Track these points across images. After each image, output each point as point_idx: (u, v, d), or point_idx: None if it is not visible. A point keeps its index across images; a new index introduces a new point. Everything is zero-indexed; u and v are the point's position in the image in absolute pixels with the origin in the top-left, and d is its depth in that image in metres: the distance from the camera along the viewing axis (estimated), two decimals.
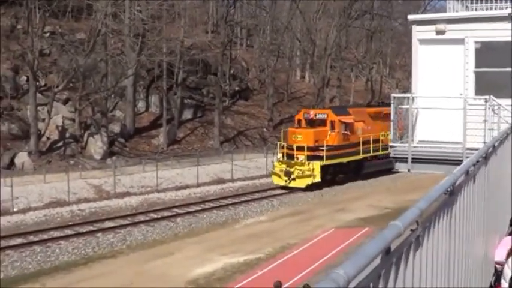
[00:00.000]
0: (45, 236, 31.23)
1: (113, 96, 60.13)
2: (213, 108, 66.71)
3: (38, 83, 54.23)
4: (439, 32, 17.71)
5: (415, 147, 17.12)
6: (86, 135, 53.86)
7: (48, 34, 61.44)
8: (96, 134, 53.79)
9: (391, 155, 17.60)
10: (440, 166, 16.23)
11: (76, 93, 55.08)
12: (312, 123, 48.60)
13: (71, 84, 56.80)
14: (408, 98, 17.51)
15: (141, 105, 64.90)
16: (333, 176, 48.07)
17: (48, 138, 52.17)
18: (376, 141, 50.33)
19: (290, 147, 46.08)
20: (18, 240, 30.32)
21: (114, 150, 55.18)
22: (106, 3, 55.42)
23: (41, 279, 24.96)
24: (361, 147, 49.22)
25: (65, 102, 57.64)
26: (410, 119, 16.94)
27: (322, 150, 45.71)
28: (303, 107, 68.74)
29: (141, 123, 62.80)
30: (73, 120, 54.52)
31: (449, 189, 5.52)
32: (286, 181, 45.41)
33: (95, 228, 33.10)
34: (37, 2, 53.47)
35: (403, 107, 17.57)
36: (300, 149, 45.16)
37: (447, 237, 5.58)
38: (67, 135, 53.33)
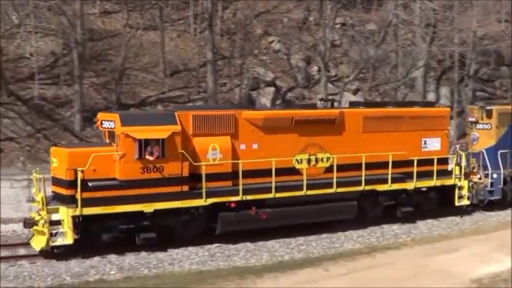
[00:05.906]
0: None
1: (402, 87, 60.08)
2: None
3: (329, 73, 55.67)
4: None
5: None
6: None
7: (339, 25, 62.93)
8: None
9: None
10: None
11: (366, 83, 55.78)
12: (109, 137, 25.95)
13: (361, 75, 57.65)
14: None
15: (431, 96, 64.05)
16: (118, 237, 24.36)
17: None
18: (288, 171, 27.28)
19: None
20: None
21: None
22: None
23: (324, 263, 25.58)
24: (204, 185, 25.00)
25: (355, 92, 58.64)
26: None
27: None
28: None
29: None
30: None
31: None
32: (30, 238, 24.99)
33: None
34: None
35: None
36: (54, 182, 24.95)
37: None
38: None
